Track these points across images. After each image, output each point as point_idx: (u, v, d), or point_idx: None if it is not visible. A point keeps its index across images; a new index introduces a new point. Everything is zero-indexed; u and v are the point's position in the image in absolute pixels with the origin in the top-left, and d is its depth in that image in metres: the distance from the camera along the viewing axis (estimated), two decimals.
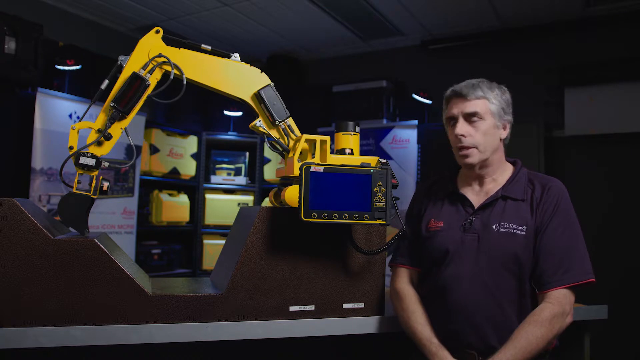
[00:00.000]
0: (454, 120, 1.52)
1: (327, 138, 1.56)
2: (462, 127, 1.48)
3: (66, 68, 3.58)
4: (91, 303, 1.31)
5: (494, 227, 1.43)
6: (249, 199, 4.88)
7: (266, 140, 1.62)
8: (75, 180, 1.45)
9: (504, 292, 1.40)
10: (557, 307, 1.34)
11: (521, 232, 1.41)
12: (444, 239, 1.48)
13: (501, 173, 1.53)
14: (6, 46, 3.05)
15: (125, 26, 4.60)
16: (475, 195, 1.53)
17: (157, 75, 1.50)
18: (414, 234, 1.59)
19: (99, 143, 1.45)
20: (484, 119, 1.48)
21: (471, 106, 1.48)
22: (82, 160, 1.42)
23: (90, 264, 1.32)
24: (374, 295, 1.55)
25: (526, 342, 1.31)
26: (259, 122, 1.59)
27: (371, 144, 4.28)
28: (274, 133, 1.61)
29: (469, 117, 1.48)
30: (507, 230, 1.42)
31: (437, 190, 1.61)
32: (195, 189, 4.74)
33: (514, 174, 1.52)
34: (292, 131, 1.61)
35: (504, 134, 1.52)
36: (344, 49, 5.05)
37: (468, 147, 1.48)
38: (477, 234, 1.45)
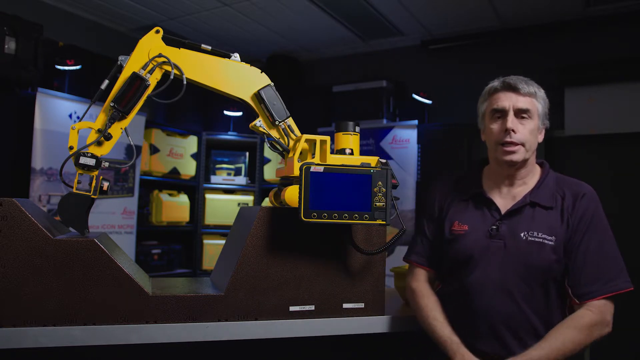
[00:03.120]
0: (499, 113, 1.43)
1: (327, 138, 1.55)
2: (513, 121, 1.39)
3: (66, 68, 3.58)
4: (91, 303, 1.31)
5: (522, 235, 1.39)
6: (249, 199, 4.88)
7: (266, 140, 1.62)
8: (75, 180, 1.44)
9: (530, 301, 1.37)
10: (597, 316, 1.33)
11: (550, 242, 1.37)
12: (468, 243, 1.44)
13: (532, 176, 1.48)
14: (6, 46, 3.05)
15: (125, 26, 4.60)
16: (502, 199, 1.47)
17: (157, 75, 1.50)
18: (434, 235, 1.56)
19: (99, 143, 1.45)
20: (532, 117, 1.41)
21: (524, 102, 1.40)
22: (82, 160, 1.42)
23: (90, 264, 1.31)
24: (374, 295, 1.55)
25: (561, 344, 1.29)
26: (259, 122, 1.59)
27: (371, 144, 4.28)
28: (274, 133, 1.61)
29: (520, 113, 1.40)
30: (537, 239, 1.37)
31: (462, 191, 1.54)
32: (195, 189, 4.74)
33: (542, 178, 1.47)
34: (292, 131, 1.61)
35: (541, 137, 1.47)
36: (344, 49, 5.04)
37: (516, 144, 1.40)
38: (504, 240, 1.40)
